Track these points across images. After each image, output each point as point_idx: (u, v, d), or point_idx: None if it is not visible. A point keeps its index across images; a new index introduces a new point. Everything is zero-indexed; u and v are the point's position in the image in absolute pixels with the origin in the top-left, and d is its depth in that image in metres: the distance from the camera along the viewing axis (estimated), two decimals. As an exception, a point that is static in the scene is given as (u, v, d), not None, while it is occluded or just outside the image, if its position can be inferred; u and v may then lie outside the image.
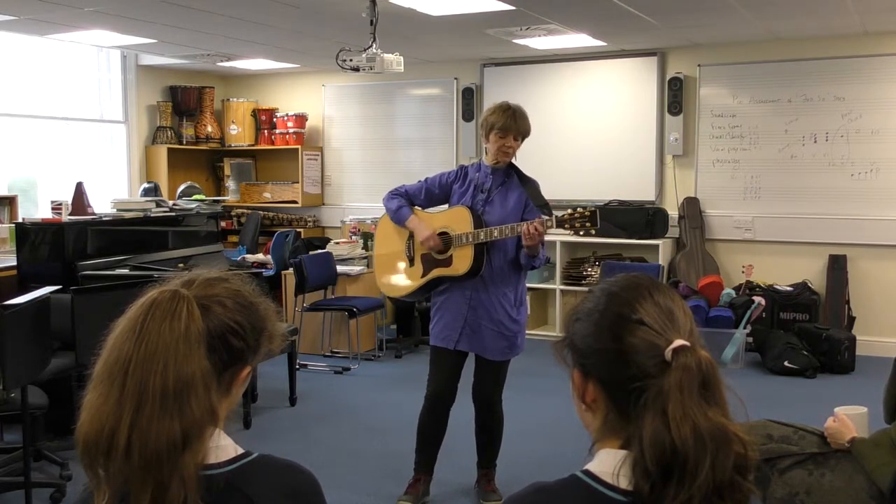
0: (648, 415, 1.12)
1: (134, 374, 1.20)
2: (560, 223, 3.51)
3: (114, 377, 1.21)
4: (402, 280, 3.88)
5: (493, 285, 3.68)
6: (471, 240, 3.61)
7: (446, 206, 3.84)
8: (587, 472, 1.20)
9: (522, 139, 3.72)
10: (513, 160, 3.76)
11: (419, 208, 3.86)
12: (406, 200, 3.84)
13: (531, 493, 1.22)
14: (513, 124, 3.65)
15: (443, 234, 3.71)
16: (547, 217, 3.50)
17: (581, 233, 3.52)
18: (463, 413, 3.92)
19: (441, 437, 3.87)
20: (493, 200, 3.71)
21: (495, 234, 3.58)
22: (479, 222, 3.64)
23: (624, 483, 1.15)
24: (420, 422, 3.84)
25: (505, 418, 3.99)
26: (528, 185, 3.72)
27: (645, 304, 1.21)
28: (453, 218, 3.72)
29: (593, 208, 3.51)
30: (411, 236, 3.82)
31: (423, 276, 3.77)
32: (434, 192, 3.84)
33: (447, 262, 3.70)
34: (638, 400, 1.14)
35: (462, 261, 3.65)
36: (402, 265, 3.86)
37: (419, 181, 3.90)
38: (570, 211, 3.53)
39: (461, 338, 3.70)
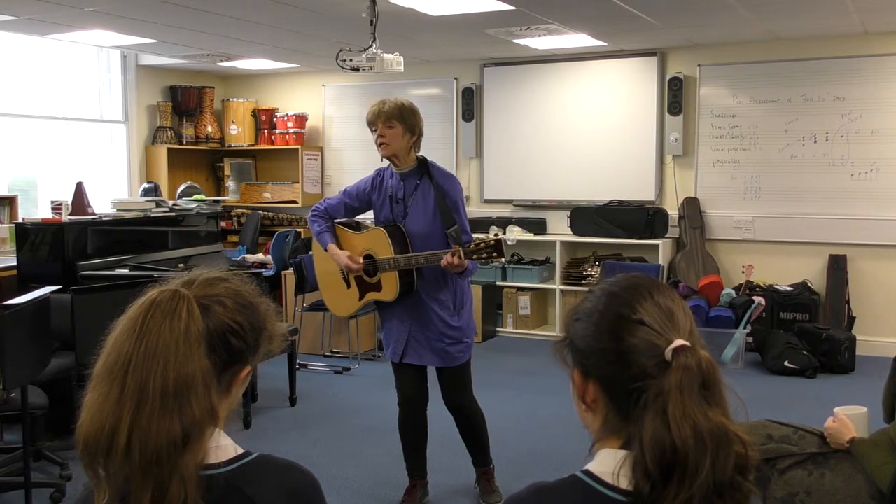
0: (649, 415, 1.12)
1: (134, 373, 1.20)
2: (467, 255, 3.41)
3: (114, 376, 1.21)
4: (342, 302, 3.83)
5: (428, 296, 3.61)
6: (393, 265, 3.54)
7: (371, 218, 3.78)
8: (587, 473, 1.20)
9: (403, 125, 3.57)
10: (418, 155, 3.65)
11: (345, 228, 3.77)
12: (327, 220, 3.74)
13: (531, 493, 1.23)
14: (375, 113, 3.56)
15: (368, 258, 3.63)
16: (456, 247, 3.41)
17: (490, 263, 3.47)
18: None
19: (423, 439, 3.85)
20: (412, 210, 3.60)
21: (417, 262, 3.51)
22: (400, 242, 3.55)
23: (624, 483, 1.15)
24: (399, 429, 3.83)
25: (505, 418, 4.00)
26: (441, 191, 3.57)
27: (645, 304, 1.21)
28: (374, 240, 3.63)
29: (497, 238, 3.44)
30: None
31: (360, 299, 3.72)
32: (354, 206, 3.75)
33: (377, 287, 3.64)
34: (638, 400, 1.14)
35: (390, 287, 3.59)
36: (340, 286, 3.78)
37: (340, 192, 3.81)
38: (475, 242, 3.44)
39: (407, 350, 3.65)
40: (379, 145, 3.59)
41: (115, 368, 1.21)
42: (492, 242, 3.41)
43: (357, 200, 3.75)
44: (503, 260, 3.51)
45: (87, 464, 1.20)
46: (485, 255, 3.41)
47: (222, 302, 1.29)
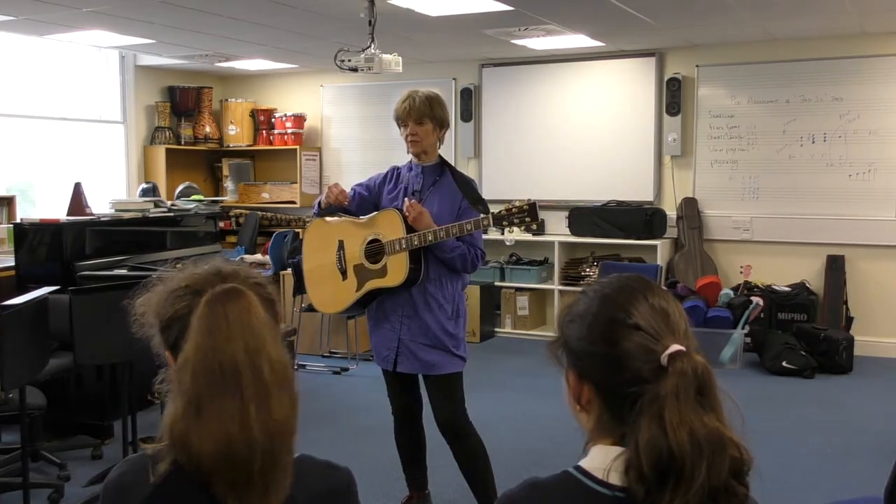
0: (644, 419, 1.13)
1: (245, 373, 1.19)
2: (497, 220, 3.18)
3: (227, 385, 1.19)
4: (335, 295, 3.53)
5: (429, 297, 3.39)
6: (404, 245, 3.29)
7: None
8: (579, 468, 1.21)
9: (434, 123, 3.40)
10: (441, 154, 3.50)
11: (345, 215, 3.57)
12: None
13: (525, 488, 1.25)
14: (406, 110, 3.38)
15: (374, 242, 3.39)
16: (483, 215, 3.21)
17: (522, 228, 3.21)
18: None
19: (422, 450, 3.69)
20: (426, 202, 3.39)
21: (430, 238, 3.24)
22: (411, 228, 3.32)
23: (613, 478, 1.16)
24: (396, 441, 3.70)
25: (504, 418, 3.96)
26: (463, 184, 3.40)
27: (639, 307, 1.21)
28: (383, 222, 3.39)
29: (531, 201, 3.20)
30: (341, 247, 3.49)
31: (358, 289, 3.44)
32: (363, 195, 3.55)
33: (381, 273, 3.37)
34: (634, 404, 1.15)
35: (397, 270, 3.33)
36: (334, 278, 3.51)
37: (351, 188, 3.63)
38: (506, 207, 3.20)
39: (399, 359, 3.45)
40: (411, 142, 3.42)
41: (224, 378, 1.19)
42: (525, 207, 3.17)
43: (367, 189, 3.56)
44: (534, 226, 3.23)
45: (227, 485, 1.19)
46: (517, 220, 3.19)
47: (258, 282, 1.35)
